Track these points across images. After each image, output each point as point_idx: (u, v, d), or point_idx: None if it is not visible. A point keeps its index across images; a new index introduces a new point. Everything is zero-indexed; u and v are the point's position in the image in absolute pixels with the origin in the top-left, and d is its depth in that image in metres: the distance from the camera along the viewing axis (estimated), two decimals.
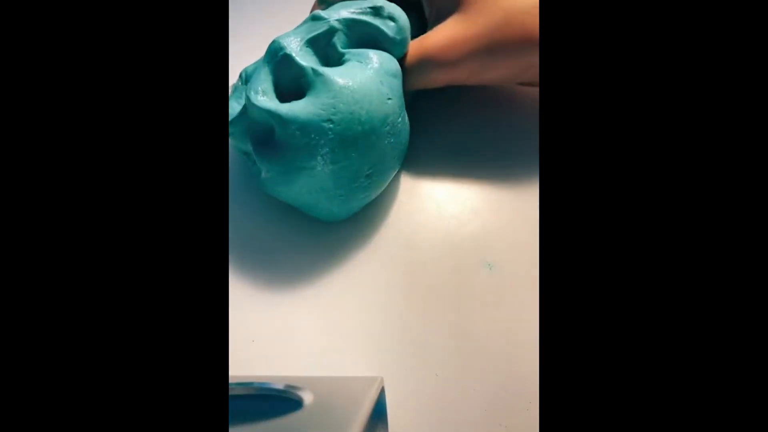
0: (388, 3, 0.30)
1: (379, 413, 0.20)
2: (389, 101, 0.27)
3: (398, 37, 0.30)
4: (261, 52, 0.32)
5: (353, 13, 0.29)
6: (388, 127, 0.27)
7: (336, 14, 0.29)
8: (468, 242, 0.29)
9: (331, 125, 0.26)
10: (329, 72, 0.26)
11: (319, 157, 0.26)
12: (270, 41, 0.29)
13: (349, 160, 0.26)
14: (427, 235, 0.29)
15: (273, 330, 0.26)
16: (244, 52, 0.37)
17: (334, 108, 0.26)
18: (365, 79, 0.27)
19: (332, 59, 0.29)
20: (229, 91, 0.32)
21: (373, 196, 0.29)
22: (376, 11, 0.30)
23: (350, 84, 0.26)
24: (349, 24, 0.29)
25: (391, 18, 0.30)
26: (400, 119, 0.28)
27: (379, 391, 0.20)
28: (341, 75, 0.26)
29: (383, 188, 0.29)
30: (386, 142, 0.27)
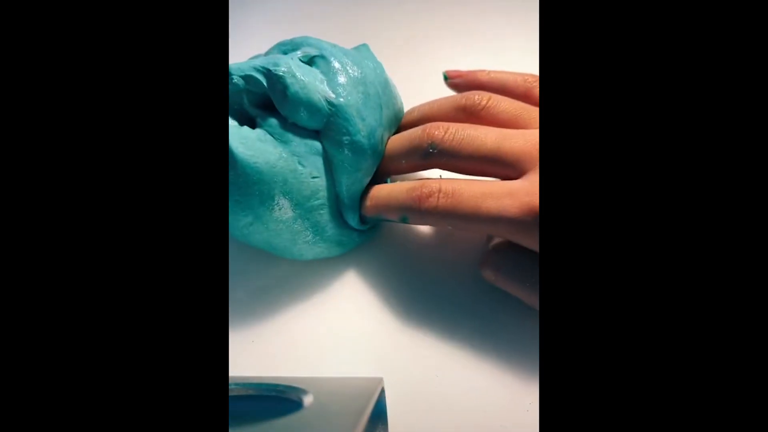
0: (290, 66, 0.26)
1: (379, 413, 0.20)
2: (315, 179, 0.26)
3: (287, 114, 0.26)
4: (262, 51, 0.32)
5: (253, 67, 0.26)
6: (319, 201, 0.26)
7: (241, 69, 0.26)
8: (468, 242, 0.28)
9: (240, 203, 0.25)
10: (236, 151, 0.24)
11: (250, 219, 0.26)
12: (271, 39, 0.29)
13: (277, 230, 0.26)
14: (427, 234, 0.29)
15: (273, 330, 0.26)
16: (243, 51, 0.37)
17: (240, 190, 0.25)
18: (276, 159, 0.25)
19: (250, 118, 0.27)
20: None
21: (336, 253, 0.28)
22: (268, 75, 0.26)
23: (258, 165, 0.25)
24: (247, 79, 0.26)
25: (283, 87, 0.26)
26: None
27: (379, 391, 0.20)
28: (249, 151, 0.25)
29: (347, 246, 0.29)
30: (322, 212, 0.27)
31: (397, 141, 0.27)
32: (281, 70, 0.26)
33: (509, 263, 0.24)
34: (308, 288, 0.28)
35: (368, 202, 0.27)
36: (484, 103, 0.26)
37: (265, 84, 0.26)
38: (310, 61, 0.27)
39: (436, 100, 0.28)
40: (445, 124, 0.25)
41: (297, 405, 0.19)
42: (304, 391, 0.19)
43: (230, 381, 0.21)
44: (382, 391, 0.21)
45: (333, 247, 0.28)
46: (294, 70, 0.26)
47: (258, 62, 0.27)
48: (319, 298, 0.27)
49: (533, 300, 0.24)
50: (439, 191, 0.24)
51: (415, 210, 0.25)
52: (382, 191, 0.27)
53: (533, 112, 0.26)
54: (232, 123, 0.26)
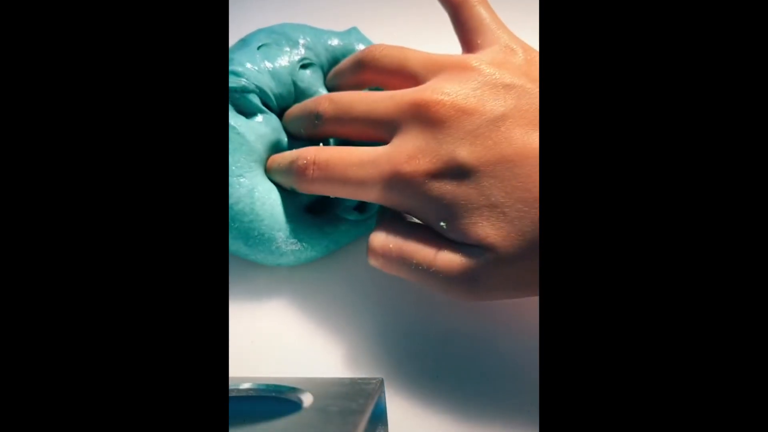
0: (316, 85, 0.29)
1: (379, 414, 0.20)
2: None
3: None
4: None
5: (284, 84, 0.28)
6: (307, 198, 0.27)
7: (258, 79, 0.28)
8: None
9: (244, 162, 0.26)
10: (242, 128, 0.26)
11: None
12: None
13: (272, 202, 0.26)
14: None
15: (272, 331, 0.26)
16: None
17: (250, 150, 0.26)
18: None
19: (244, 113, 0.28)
20: None
21: (307, 259, 0.27)
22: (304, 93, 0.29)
23: (282, 143, 0.28)
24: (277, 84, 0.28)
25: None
26: None
27: (379, 391, 0.20)
28: (273, 133, 0.27)
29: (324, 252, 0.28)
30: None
31: (296, 109, 0.28)
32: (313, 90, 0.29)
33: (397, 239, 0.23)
34: (308, 288, 0.28)
35: (268, 167, 0.27)
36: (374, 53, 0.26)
37: (293, 96, 0.29)
38: (306, 65, 0.29)
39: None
40: (332, 95, 0.26)
41: (297, 405, 0.19)
42: (304, 391, 0.19)
43: (230, 381, 0.21)
44: (382, 391, 0.21)
45: (322, 240, 0.27)
46: (321, 89, 0.29)
47: (285, 77, 0.28)
48: (318, 298, 0.27)
49: (422, 278, 0.22)
50: (313, 163, 0.24)
51: (297, 184, 0.25)
52: (276, 159, 0.27)
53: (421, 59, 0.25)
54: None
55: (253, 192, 0.26)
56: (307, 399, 0.19)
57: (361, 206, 0.28)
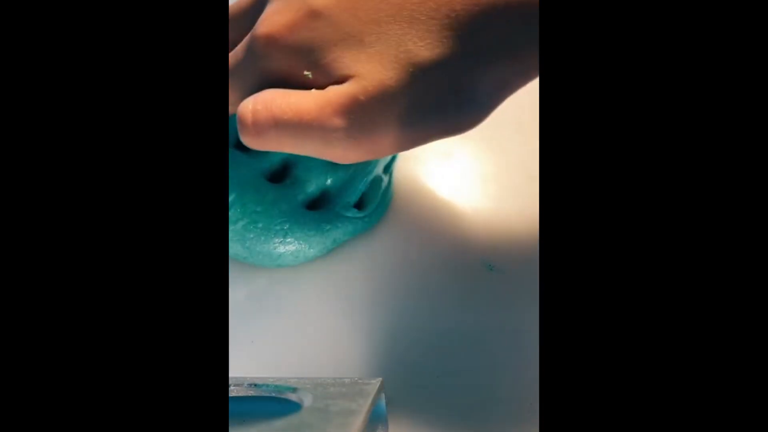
0: None
1: (379, 414, 0.20)
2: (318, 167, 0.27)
3: None
4: None
5: None
6: (313, 188, 0.27)
7: None
8: (468, 242, 0.28)
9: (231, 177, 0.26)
10: None
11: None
12: None
13: (251, 216, 0.25)
14: (427, 235, 0.29)
15: (272, 331, 0.26)
16: None
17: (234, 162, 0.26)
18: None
19: None
20: None
21: (308, 258, 0.27)
22: None
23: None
24: None
25: None
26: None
27: (379, 391, 0.20)
28: None
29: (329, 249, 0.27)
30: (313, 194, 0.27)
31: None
32: None
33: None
34: (307, 288, 0.28)
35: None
36: None
37: None
38: None
39: None
40: None
41: (297, 405, 0.19)
42: (304, 391, 0.19)
43: (230, 381, 0.21)
44: (382, 391, 0.21)
45: (320, 239, 0.27)
46: None
47: None
48: (318, 298, 0.27)
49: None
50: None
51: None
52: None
53: None
54: None
55: (244, 192, 0.26)
56: (307, 399, 0.19)
57: (360, 203, 0.28)
